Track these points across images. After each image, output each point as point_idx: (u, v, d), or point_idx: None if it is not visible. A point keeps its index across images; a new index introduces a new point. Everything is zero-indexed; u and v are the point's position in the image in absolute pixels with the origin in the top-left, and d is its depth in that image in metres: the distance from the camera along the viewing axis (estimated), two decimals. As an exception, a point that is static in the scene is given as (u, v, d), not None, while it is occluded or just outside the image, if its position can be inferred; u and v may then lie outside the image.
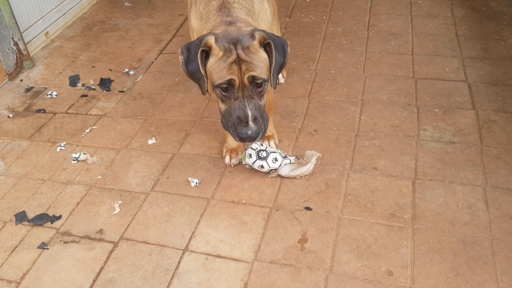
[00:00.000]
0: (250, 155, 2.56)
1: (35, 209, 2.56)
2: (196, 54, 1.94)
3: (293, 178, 2.59)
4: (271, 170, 2.57)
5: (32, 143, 3.04)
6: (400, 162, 2.65)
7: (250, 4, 2.23)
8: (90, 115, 3.27)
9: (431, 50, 3.60)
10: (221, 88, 1.94)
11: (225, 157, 2.72)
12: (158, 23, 4.47)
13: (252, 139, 1.97)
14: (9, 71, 3.67)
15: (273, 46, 1.96)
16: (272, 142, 2.79)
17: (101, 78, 3.68)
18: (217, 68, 1.93)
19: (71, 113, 3.31)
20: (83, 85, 3.63)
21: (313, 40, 3.85)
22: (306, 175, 2.59)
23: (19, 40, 3.67)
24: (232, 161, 2.70)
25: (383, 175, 2.58)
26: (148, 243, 2.32)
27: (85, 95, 3.49)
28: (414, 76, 3.33)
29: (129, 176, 2.72)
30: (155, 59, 3.92)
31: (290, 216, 2.40)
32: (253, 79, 1.93)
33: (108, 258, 2.27)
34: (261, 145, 2.62)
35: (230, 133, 2.05)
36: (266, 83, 1.98)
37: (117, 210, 2.50)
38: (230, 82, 1.92)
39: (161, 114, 3.20)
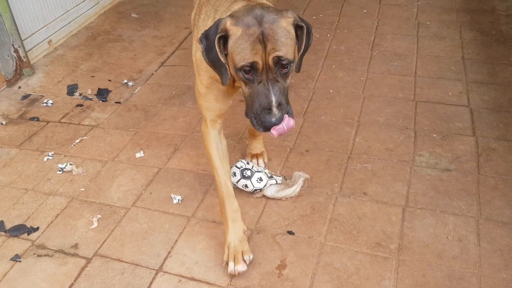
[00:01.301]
0: (234, 174, 2.48)
1: (14, 219, 2.51)
2: (213, 41, 1.74)
3: (279, 199, 2.50)
4: (256, 190, 2.49)
5: (20, 151, 3.02)
6: (391, 188, 2.54)
7: None
8: (82, 125, 3.24)
9: (435, 72, 3.50)
10: (244, 70, 1.72)
11: (228, 263, 2.14)
12: (163, 35, 4.46)
13: (276, 124, 1.74)
14: (7, 78, 3.68)
15: (307, 26, 1.76)
16: (261, 161, 2.71)
17: (98, 88, 3.66)
18: (238, 48, 1.70)
19: (64, 122, 3.28)
20: (80, 94, 3.62)
21: (314, 58, 3.78)
22: (292, 197, 2.50)
23: (19, 47, 3.68)
24: (237, 267, 2.12)
25: (373, 201, 2.47)
26: (122, 261, 2.25)
27: (81, 105, 3.47)
28: (415, 98, 3.23)
29: (112, 190, 2.66)
30: (155, 71, 3.89)
31: (271, 240, 2.31)
32: (278, 59, 1.69)
33: (79, 274, 2.20)
34: (247, 163, 2.54)
35: (252, 123, 1.81)
36: (292, 64, 1.74)
37: (95, 224, 2.44)
38: (252, 65, 1.69)
39: (153, 127, 3.16)
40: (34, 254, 2.32)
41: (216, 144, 2.20)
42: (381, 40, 3.97)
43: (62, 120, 3.30)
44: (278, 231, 2.35)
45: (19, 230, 2.43)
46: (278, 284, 2.10)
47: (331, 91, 3.37)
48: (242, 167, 2.50)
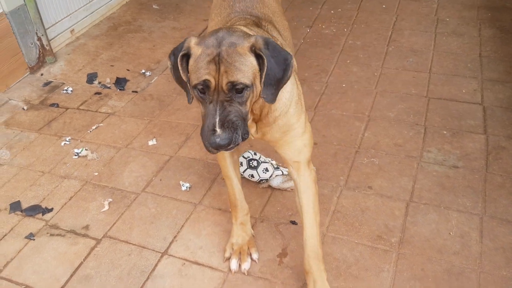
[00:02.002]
0: (241, 164, 2.54)
1: (30, 200, 2.63)
2: (177, 59, 1.72)
3: (284, 190, 2.55)
4: (262, 180, 2.54)
5: (40, 135, 3.14)
6: (397, 183, 2.56)
7: (255, 18, 2.07)
8: (99, 112, 3.35)
9: (450, 69, 3.47)
10: (197, 89, 1.68)
11: (230, 260, 2.21)
12: (182, 27, 4.53)
13: (221, 148, 1.65)
14: (31, 65, 3.81)
15: (264, 54, 1.64)
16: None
17: (117, 77, 3.75)
18: (195, 67, 1.67)
19: (82, 109, 3.39)
20: (99, 83, 3.72)
21: (330, 52, 3.80)
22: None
23: (42, 35, 3.81)
24: (243, 265, 2.19)
25: (377, 195, 2.49)
26: (129, 243, 2.33)
27: (99, 93, 3.57)
28: (428, 95, 3.22)
29: (124, 175, 2.75)
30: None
31: (274, 228, 2.36)
32: (232, 85, 1.63)
33: (88, 254, 2.30)
34: (254, 154, 2.59)
35: (204, 146, 1.74)
36: (249, 88, 1.66)
37: (106, 207, 2.53)
38: (205, 83, 1.63)
39: (167, 116, 3.23)
40: (47, 233, 2.42)
41: (229, 158, 2.15)
42: (398, 36, 3.96)
43: (80, 107, 3.41)
44: (281, 220, 2.40)
45: (35, 210, 2.54)
46: (278, 272, 2.15)
47: (344, 85, 3.39)
48: (248, 157, 2.55)
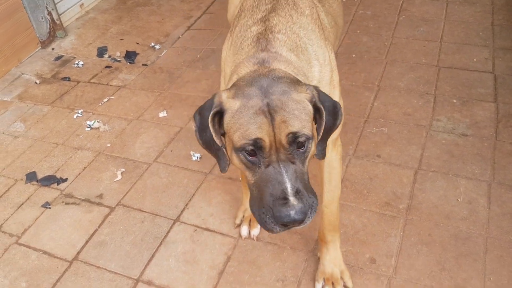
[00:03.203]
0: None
1: (45, 170, 2.69)
2: (207, 118, 1.40)
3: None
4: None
5: (52, 108, 3.19)
6: (405, 151, 2.57)
7: (298, 38, 1.62)
8: (110, 85, 3.38)
9: (462, 38, 3.43)
10: (245, 151, 1.35)
11: (241, 226, 2.21)
12: (190, 0, 4.51)
13: (297, 223, 1.32)
14: (42, 40, 3.84)
15: (324, 106, 1.41)
16: None
17: (127, 51, 3.77)
18: (236, 123, 1.34)
19: (93, 82, 3.43)
20: (109, 56, 3.75)
21: (339, 23, 3.76)
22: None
23: (52, 10, 3.83)
24: (253, 231, 2.19)
25: (385, 163, 2.51)
26: (143, 211, 2.39)
27: (109, 66, 3.60)
28: (438, 64, 3.20)
29: (136, 146, 2.80)
30: (182, 34, 3.97)
31: (284, 196, 2.39)
32: (294, 136, 1.32)
33: (103, 221, 2.36)
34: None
35: (261, 223, 1.39)
36: (311, 141, 1.37)
37: (119, 177, 2.59)
38: (256, 143, 1.31)
39: (177, 88, 3.26)
40: (63, 202, 2.49)
41: None
42: (409, 5, 3.90)
43: (91, 81, 3.45)
44: (290, 188, 2.43)
45: (50, 180, 2.61)
46: (287, 237, 2.20)
47: (353, 55, 3.37)
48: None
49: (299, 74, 1.52)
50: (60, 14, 3.97)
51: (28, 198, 2.53)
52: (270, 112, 1.32)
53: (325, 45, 1.72)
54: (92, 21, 4.24)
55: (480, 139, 2.60)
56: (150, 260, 2.16)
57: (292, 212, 1.30)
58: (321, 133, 1.43)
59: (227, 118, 1.37)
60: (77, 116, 3.09)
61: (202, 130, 1.43)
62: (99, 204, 2.46)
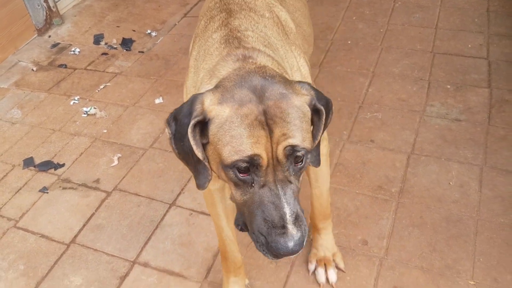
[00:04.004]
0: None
1: (42, 156, 2.72)
2: (186, 128, 1.16)
3: (288, 144, 2.60)
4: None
5: (49, 95, 3.21)
6: (399, 136, 2.60)
7: (267, 36, 1.46)
8: (106, 72, 3.40)
9: (457, 24, 3.44)
10: (237, 168, 1.15)
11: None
12: (187, -13, 4.50)
13: (293, 254, 1.16)
14: (38, 27, 3.84)
15: (324, 112, 1.25)
16: (331, 271, 1.97)
17: (123, 38, 3.78)
18: (226, 135, 1.13)
19: (90, 69, 3.44)
20: (105, 43, 3.76)
21: (335, 10, 3.77)
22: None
23: (48, -3, 3.83)
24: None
25: (379, 148, 2.54)
26: (139, 195, 2.43)
27: (106, 53, 3.61)
28: (433, 50, 3.21)
29: (132, 132, 2.82)
30: (178, 22, 3.97)
31: (278, 180, 2.42)
32: (292, 150, 1.14)
33: (100, 205, 2.40)
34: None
35: (256, 246, 1.22)
36: (309, 154, 1.20)
37: (116, 162, 2.61)
38: (253, 160, 1.12)
39: (173, 75, 3.27)
40: (60, 187, 2.52)
41: (220, 204, 1.72)
42: (405, -8, 3.90)
43: (88, 68, 3.46)
44: (285, 173, 2.46)
45: (47, 165, 2.64)
46: (281, 220, 2.23)
47: (349, 42, 3.39)
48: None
49: (284, 73, 1.34)
50: (57, 2, 3.97)
51: (26, 183, 2.56)
52: (268, 123, 1.11)
53: (291, 49, 1.56)
54: (88, 9, 4.23)
55: (473, 124, 2.62)
56: (146, 243, 2.20)
57: (291, 244, 1.13)
58: (319, 137, 1.26)
59: (213, 128, 1.15)
60: (74, 102, 3.10)
61: (178, 139, 1.20)
62: (96, 188, 2.49)
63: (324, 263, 1.99)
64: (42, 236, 2.28)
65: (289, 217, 1.14)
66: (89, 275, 2.10)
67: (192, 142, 1.16)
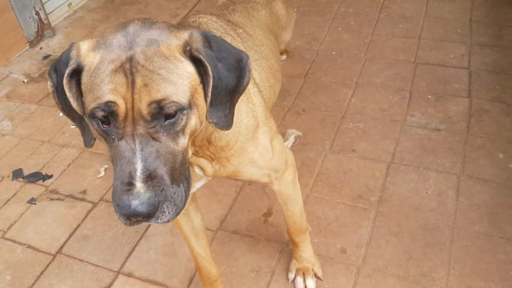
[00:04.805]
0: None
1: (31, 167, 2.77)
2: (62, 78, 1.10)
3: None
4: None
5: (39, 107, 3.26)
6: (379, 146, 2.66)
7: None
8: (96, 84, 3.45)
9: (440, 35, 3.51)
10: (97, 118, 1.06)
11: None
12: (178, -2, 4.57)
13: (142, 216, 1.02)
14: (30, 39, 3.90)
15: (206, 56, 1.09)
16: (310, 280, 2.02)
17: (113, 49, 3.84)
18: (91, 83, 1.06)
19: (80, 81, 3.50)
20: (96, 55, 3.81)
21: (322, 20, 3.84)
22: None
23: (40, 9, 3.89)
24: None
25: (360, 158, 2.60)
26: (124, 206, 2.47)
27: (96, 65, 3.67)
28: (416, 61, 3.28)
29: (120, 143, 2.87)
30: (168, 33, 4.03)
31: (261, 190, 2.48)
32: (157, 107, 1.04)
33: (86, 216, 2.45)
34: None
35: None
36: (187, 111, 1.08)
37: (102, 173, 2.67)
38: (108, 107, 1.03)
39: (161, 86, 3.33)
40: (48, 198, 2.57)
41: (186, 227, 1.74)
42: (390, 2, 3.98)
43: (78, 79, 3.52)
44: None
45: (35, 176, 2.69)
46: (263, 230, 2.29)
47: (334, 53, 3.45)
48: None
49: None
50: (48, 14, 4.03)
51: (15, 194, 2.61)
52: (131, 71, 1.02)
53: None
54: (80, 20, 4.30)
55: (452, 133, 2.69)
56: (130, 253, 2.25)
57: (134, 203, 0.99)
58: (209, 94, 1.10)
59: (84, 77, 1.08)
60: (63, 114, 3.15)
61: (60, 92, 1.12)
62: (82, 199, 2.54)
63: (303, 272, 2.04)
64: (29, 246, 2.33)
65: (139, 174, 1.02)
66: (75, 285, 2.14)
67: (68, 95, 1.09)
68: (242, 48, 1.59)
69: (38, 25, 3.93)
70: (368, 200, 2.37)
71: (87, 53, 1.09)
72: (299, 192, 1.83)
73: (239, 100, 1.22)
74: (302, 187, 2.36)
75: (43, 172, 2.73)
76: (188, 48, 1.08)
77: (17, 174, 2.72)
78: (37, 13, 3.89)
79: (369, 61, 3.33)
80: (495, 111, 2.79)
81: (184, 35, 1.10)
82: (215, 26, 1.57)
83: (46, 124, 3.10)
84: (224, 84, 1.11)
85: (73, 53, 1.10)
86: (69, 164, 2.77)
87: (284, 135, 2.72)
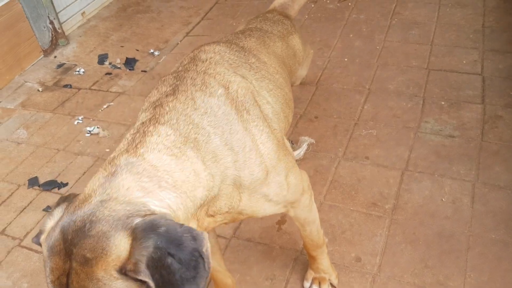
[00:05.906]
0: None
1: (47, 175, 2.80)
2: None
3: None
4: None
5: (54, 115, 3.30)
6: (393, 153, 2.65)
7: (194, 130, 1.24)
8: (110, 92, 3.49)
9: (452, 41, 3.50)
10: None
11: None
12: (189, 6, 4.61)
13: None
14: (44, 48, 3.96)
15: (149, 273, 0.92)
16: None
17: (126, 58, 3.88)
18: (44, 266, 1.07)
19: (94, 89, 3.54)
20: (109, 63, 3.86)
21: (333, 27, 3.85)
22: (297, 160, 2.65)
23: (54, 19, 3.95)
24: None
25: (373, 165, 2.59)
26: (139, 214, 2.49)
27: (109, 73, 3.71)
28: (428, 67, 3.27)
29: (134, 151, 2.90)
30: (181, 41, 4.07)
31: (275, 198, 2.48)
32: None
33: (101, 224, 2.46)
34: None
35: None
36: None
37: (117, 181, 2.69)
38: None
39: (174, 94, 3.36)
40: (63, 206, 2.60)
41: None
42: (402, 9, 3.98)
43: (92, 87, 3.56)
44: (281, 190, 2.52)
45: (51, 185, 2.72)
46: (277, 237, 2.29)
47: (345, 59, 3.46)
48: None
49: (167, 189, 1.10)
50: (62, 23, 4.09)
51: (30, 202, 2.64)
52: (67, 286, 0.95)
53: (246, 128, 1.34)
54: (93, 29, 4.35)
55: (466, 140, 2.67)
56: (145, 261, 2.26)
57: None
58: None
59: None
60: (78, 122, 3.20)
61: None
62: (97, 207, 2.56)
63: (319, 281, 2.04)
64: (46, 254, 2.35)
65: None
66: (90, 292, 2.16)
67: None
68: (254, 81, 1.55)
69: (52, 34, 3.98)
70: (383, 207, 2.36)
71: (43, 239, 1.07)
72: (316, 211, 1.82)
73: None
74: (315, 195, 2.37)
75: (59, 180, 2.76)
76: (124, 271, 0.94)
77: (33, 182, 2.75)
78: (51, 22, 3.94)
79: (381, 67, 3.33)
80: (509, 117, 2.78)
81: (126, 245, 0.96)
82: (225, 66, 1.49)
83: (61, 132, 3.13)
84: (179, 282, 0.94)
85: (42, 228, 1.11)
86: (84, 172, 2.80)
87: (297, 143, 2.73)
